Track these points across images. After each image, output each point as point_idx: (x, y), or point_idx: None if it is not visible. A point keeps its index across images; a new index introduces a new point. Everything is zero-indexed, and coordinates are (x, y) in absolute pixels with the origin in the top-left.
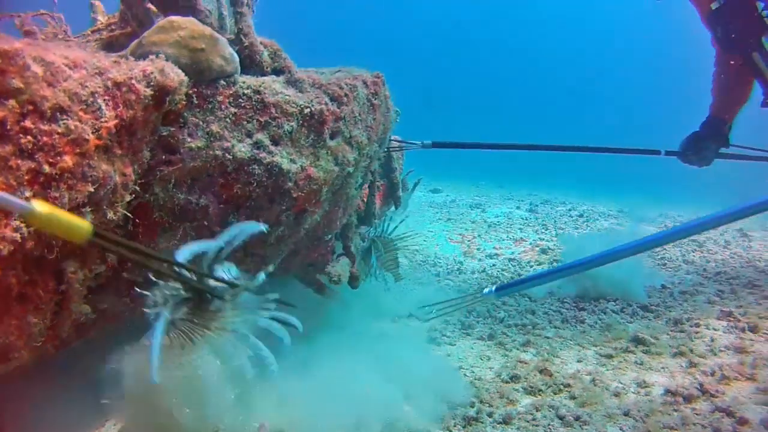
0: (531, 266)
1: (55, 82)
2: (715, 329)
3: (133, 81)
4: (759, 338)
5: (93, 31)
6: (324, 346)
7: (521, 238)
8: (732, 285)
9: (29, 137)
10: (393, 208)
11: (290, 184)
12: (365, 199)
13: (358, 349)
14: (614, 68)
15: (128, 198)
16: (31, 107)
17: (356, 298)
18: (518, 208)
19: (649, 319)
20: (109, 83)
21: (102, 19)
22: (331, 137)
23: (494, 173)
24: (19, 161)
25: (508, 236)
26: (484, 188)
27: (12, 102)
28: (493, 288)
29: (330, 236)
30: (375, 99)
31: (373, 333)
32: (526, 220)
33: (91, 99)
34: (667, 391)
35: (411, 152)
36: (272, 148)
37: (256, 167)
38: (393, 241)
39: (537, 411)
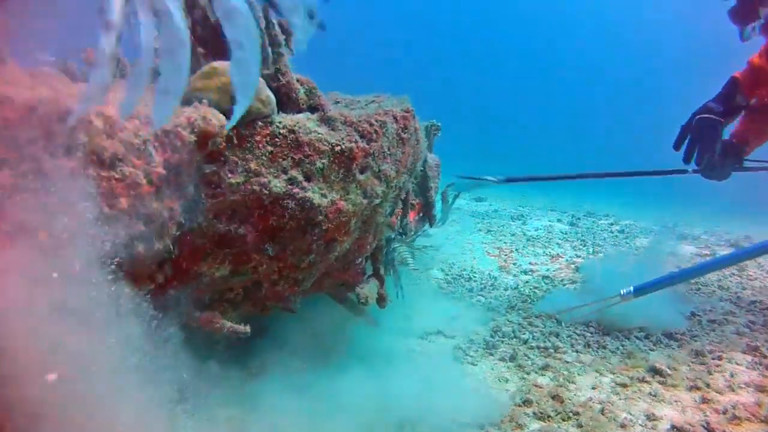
0: (564, 284)
1: (113, 134)
2: (738, 364)
3: (179, 128)
4: None
5: None
6: (349, 360)
7: (558, 254)
8: (766, 316)
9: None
10: (428, 225)
11: (321, 217)
12: (399, 217)
13: (379, 365)
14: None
15: (174, 230)
16: (93, 157)
17: (385, 314)
18: (560, 221)
19: (673, 348)
20: (159, 131)
21: None
22: (361, 172)
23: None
24: None
25: (545, 251)
26: (529, 197)
27: (78, 154)
28: (632, 288)
29: (360, 259)
30: (404, 133)
31: (399, 350)
32: (566, 234)
33: (143, 146)
34: (673, 427)
35: (456, 160)
36: (305, 183)
37: (290, 201)
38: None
39: None
